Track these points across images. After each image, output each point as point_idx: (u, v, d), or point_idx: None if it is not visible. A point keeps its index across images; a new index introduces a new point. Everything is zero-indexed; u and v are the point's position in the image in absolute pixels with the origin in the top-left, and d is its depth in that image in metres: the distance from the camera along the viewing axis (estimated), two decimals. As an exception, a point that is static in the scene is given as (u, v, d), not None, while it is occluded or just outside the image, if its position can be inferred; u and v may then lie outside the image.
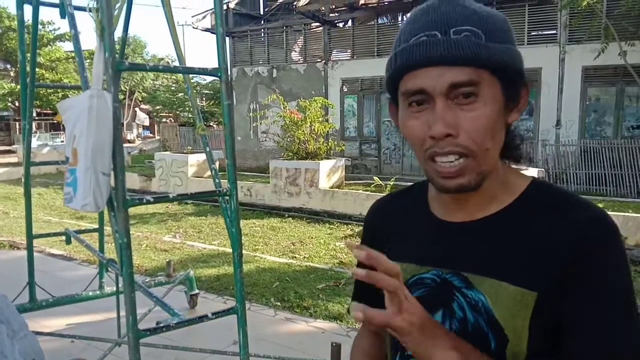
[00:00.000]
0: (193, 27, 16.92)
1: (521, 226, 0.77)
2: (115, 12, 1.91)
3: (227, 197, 2.14)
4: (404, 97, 0.76)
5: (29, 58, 3.14)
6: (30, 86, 2.87)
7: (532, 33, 11.98)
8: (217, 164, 2.48)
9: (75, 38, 2.15)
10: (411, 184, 0.99)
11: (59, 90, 24.38)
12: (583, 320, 0.70)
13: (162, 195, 2.14)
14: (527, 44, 11.83)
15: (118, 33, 2.93)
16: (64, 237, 3.88)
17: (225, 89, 2.06)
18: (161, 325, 1.97)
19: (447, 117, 0.72)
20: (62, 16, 2.38)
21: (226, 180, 2.14)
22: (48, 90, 24.48)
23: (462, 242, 0.81)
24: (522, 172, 0.84)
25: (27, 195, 3.34)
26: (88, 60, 2.37)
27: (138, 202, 1.87)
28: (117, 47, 3.26)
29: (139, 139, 33.11)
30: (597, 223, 0.73)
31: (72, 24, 2.17)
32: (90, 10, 1.82)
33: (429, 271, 0.83)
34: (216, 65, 2.01)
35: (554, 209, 0.77)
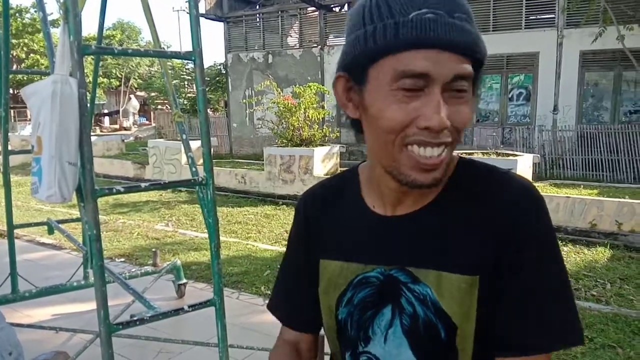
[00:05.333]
0: (187, 12, 16.70)
1: (453, 212, 0.76)
2: (82, -7, 1.82)
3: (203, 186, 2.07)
4: (393, 77, 0.66)
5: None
6: (5, 72, 2.78)
7: (530, 17, 11.81)
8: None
9: (43, 21, 2.06)
10: (341, 170, 0.94)
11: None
12: (519, 308, 0.71)
13: (133, 184, 2.07)
14: (525, 28, 11.67)
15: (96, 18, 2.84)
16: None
17: (200, 73, 1.99)
18: (135, 318, 1.91)
19: (446, 109, 0.67)
20: (35, -2, 2.30)
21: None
22: (43, 77, 24.26)
23: (401, 237, 0.79)
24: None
25: (7, 185, 3.27)
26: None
27: (107, 192, 1.80)
28: (94, 32, 3.17)
29: (135, 126, 32.89)
30: (524, 200, 0.72)
31: (41, 7, 2.08)
32: (52, -9, 1.73)
33: (373, 269, 0.81)
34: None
35: (481, 191, 0.76)
